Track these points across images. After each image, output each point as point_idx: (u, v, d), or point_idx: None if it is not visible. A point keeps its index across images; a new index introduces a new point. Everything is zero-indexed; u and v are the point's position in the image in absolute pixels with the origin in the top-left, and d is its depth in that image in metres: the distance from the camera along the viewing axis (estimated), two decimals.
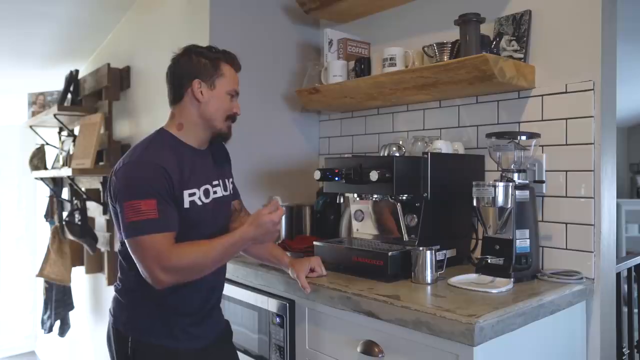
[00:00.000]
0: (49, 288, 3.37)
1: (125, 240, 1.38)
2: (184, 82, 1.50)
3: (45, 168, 3.42)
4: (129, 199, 1.35)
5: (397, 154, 1.78)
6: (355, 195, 1.82)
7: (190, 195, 1.45)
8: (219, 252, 1.41)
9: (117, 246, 1.57)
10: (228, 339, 1.69)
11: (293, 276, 1.60)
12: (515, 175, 1.58)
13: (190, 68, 1.50)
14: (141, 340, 1.46)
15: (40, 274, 3.22)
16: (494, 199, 1.51)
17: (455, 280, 1.53)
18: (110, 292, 3.01)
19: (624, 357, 2.52)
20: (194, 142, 1.53)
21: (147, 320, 1.47)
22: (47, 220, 3.61)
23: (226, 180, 1.63)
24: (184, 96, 1.50)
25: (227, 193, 1.62)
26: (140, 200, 1.34)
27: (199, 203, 1.48)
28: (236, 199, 1.72)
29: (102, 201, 2.99)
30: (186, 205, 1.44)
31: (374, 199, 1.79)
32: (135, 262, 1.38)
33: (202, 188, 1.50)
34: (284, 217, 2.20)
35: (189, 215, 1.44)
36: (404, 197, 1.69)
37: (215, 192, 1.55)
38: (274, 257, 1.69)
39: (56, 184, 3.45)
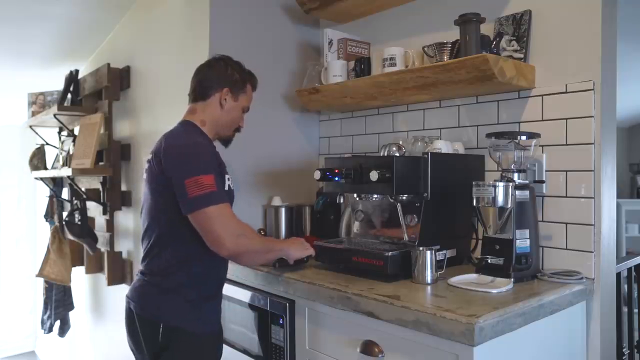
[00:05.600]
0: (49, 288, 3.37)
1: (190, 215, 1.46)
2: (214, 85, 1.66)
3: (45, 168, 3.42)
4: (190, 176, 1.45)
5: (397, 154, 1.78)
6: (355, 195, 1.82)
7: (228, 179, 1.61)
8: (267, 244, 1.66)
9: (150, 234, 1.59)
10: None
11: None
12: (515, 175, 1.58)
13: (226, 76, 1.67)
14: (175, 326, 1.51)
15: (40, 274, 3.22)
16: (494, 199, 1.52)
17: (455, 280, 1.53)
18: (110, 292, 3.03)
19: (624, 357, 2.52)
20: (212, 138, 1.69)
21: (178, 306, 1.53)
22: (47, 220, 3.60)
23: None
24: (210, 97, 1.66)
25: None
26: (201, 175, 1.45)
27: (232, 188, 1.64)
28: None
29: (101, 201, 2.99)
30: (226, 187, 1.58)
31: (374, 199, 1.79)
32: (202, 234, 1.48)
33: (227, 176, 1.63)
34: (283, 217, 2.21)
35: (229, 197, 1.59)
36: (404, 197, 1.69)
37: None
38: None
39: (56, 184, 3.44)
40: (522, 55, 1.75)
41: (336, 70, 2.14)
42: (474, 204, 1.57)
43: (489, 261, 1.56)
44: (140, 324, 1.55)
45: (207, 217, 1.44)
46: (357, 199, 1.85)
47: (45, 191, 3.76)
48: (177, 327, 1.51)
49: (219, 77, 1.66)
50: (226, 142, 1.77)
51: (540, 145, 1.71)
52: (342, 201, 1.86)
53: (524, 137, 1.63)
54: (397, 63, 1.95)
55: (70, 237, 3.10)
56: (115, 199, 2.92)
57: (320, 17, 2.47)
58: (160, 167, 1.52)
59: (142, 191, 1.67)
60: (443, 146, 1.82)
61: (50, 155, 3.51)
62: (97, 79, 3.02)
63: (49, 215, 3.58)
